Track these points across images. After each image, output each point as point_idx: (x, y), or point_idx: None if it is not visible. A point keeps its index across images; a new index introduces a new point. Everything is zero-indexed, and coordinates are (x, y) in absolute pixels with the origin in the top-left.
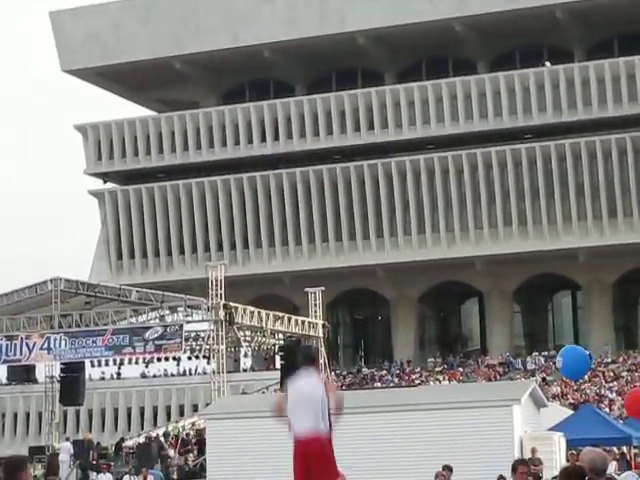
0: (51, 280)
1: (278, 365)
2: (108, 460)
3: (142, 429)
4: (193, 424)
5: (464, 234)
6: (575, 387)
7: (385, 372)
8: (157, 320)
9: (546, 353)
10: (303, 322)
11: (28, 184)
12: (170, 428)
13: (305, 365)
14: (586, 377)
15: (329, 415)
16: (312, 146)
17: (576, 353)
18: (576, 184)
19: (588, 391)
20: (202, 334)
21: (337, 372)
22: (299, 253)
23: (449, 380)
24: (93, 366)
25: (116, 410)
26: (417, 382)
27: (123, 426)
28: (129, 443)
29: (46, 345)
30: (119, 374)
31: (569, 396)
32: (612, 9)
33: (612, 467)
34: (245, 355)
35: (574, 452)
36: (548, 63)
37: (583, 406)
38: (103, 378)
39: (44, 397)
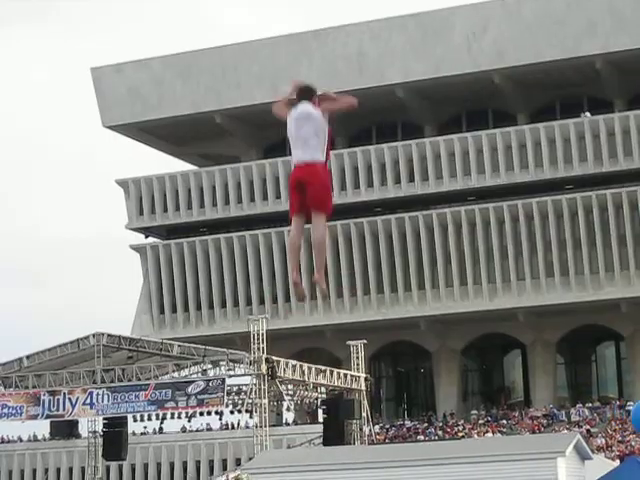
0: (93, 335)
1: (321, 419)
2: None
3: None
4: (236, 478)
5: (506, 285)
6: (620, 439)
7: (428, 425)
8: (199, 374)
9: (590, 404)
10: (345, 375)
11: (69, 239)
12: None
13: (303, 99)
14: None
15: (327, 146)
16: (353, 199)
17: None
18: (618, 234)
19: (633, 443)
20: (244, 388)
21: (380, 425)
22: (341, 306)
23: (492, 432)
24: (135, 421)
25: (159, 465)
26: (460, 435)
27: None
28: None
29: (89, 400)
30: (161, 429)
31: (614, 448)
32: None
33: None
34: (288, 409)
35: None
36: (588, 113)
37: (628, 458)
38: (145, 433)
39: (87, 452)
